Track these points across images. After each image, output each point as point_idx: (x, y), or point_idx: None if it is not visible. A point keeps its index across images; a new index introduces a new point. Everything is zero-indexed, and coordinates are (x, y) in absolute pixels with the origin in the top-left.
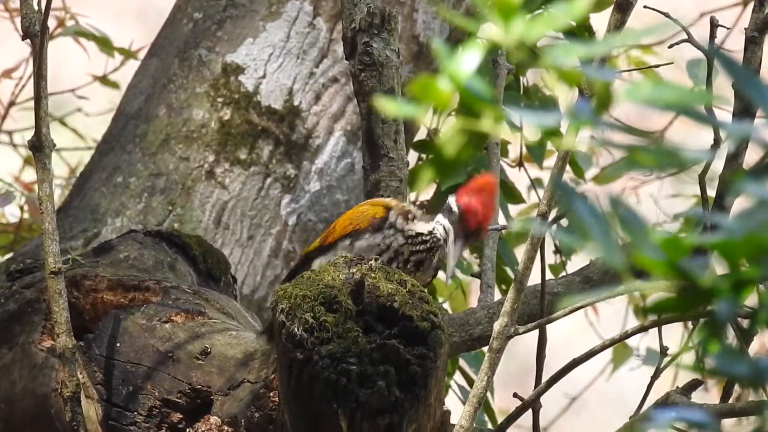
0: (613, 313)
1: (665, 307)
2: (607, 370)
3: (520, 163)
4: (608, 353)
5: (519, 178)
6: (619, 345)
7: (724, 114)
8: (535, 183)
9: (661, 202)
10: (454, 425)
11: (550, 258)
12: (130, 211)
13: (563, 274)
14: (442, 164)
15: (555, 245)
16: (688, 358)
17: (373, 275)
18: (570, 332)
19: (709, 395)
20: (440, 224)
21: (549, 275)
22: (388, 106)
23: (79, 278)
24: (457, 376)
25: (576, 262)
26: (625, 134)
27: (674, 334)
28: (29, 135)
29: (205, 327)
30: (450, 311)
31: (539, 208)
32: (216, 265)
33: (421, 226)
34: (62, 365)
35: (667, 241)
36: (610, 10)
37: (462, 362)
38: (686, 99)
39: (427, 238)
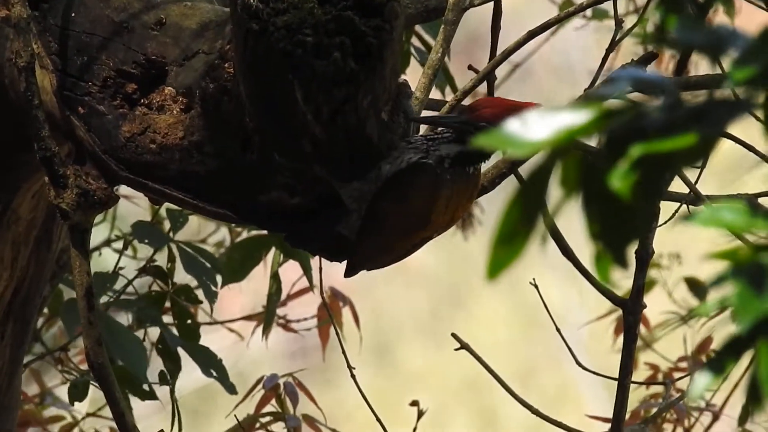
0: None
1: None
2: (551, 38)
3: None
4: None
5: None
6: (564, 3)
7: None
8: None
9: None
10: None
11: None
12: None
13: None
14: None
15: None
16: (641, 30)
17: None
18: (519, 3)
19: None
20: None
21: None
22: None
23: None
24: (416, 43)
25: None
26: None
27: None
28: None
29: None
30: None
31: None
32: None
33: None
34: (17, 35)
35: None
36: None
37: (420, 30)
38: None
39: None
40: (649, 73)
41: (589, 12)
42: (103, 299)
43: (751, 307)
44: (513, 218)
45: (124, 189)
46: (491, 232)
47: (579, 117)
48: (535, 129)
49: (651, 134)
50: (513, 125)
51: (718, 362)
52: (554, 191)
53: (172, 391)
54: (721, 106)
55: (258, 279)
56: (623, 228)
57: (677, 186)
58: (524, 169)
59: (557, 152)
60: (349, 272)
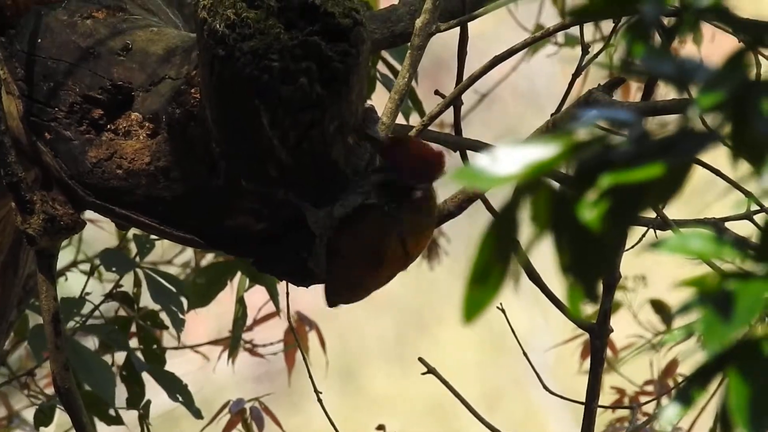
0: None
1: (590, 9)
2: (519, 66)
3: None
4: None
5: None
6: (536, 28)
7: None
8: None
9: None
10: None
11: None
12: None
13: None
14: None
15: None
16: (606, 57)
17: None
18: (485, 28)
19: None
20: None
21: None
22: None
23: None
24: (382, 68)
25: None
26: None
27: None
28: None
29: (126, 23)
30: (371, 8)
31: None
32: None
33: None
34: None
35: None
36: None
37: (386, 54)
38: None
39: None
40: (614, 109)
41: (560, 38)
42: (70, 324)
43: (718, 334)
44: (486, 256)
45: (89, 213)
46: (464, 270)
47: (547, 150)
48: (504, 163)
49: (619, 166)
50: (482, 160)
51: (686, 393)
52: (526, 225)
53: (143, 417)
54: (690, 138)
55: (224, 303)
56: (594, 260)
57: (644, 210)
58: (491, 194)
59: (525, 186)
60: (330, 304)
